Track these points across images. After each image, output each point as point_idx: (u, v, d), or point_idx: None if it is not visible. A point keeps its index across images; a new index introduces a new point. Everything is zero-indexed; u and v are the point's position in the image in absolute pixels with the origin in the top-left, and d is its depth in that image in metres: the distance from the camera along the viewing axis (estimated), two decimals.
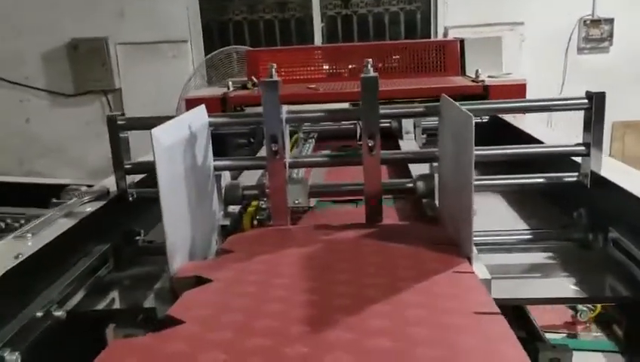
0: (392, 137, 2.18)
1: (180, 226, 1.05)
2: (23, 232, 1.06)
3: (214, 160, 1.29)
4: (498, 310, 0.76)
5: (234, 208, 1.38)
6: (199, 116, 1.24)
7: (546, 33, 4.91)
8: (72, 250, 1.11)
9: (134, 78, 4.97)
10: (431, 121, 2.13)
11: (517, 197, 1.58)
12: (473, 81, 2.39)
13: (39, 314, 0.95)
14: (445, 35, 4.97)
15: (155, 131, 0.96)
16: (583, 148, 1.24)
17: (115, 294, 1.15)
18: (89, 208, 1.22)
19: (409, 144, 2.04)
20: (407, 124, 2.09)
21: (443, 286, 0.85)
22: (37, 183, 2.50)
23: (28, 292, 0.96)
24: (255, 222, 1.33)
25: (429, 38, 5.04)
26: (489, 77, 2.43)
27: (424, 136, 2.18)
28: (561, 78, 4.99)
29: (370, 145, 1.20)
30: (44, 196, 1.40)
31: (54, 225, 1.11)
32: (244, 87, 2.60)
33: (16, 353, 0.85)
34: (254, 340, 0.73)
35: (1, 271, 0.88)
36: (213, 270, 0.97)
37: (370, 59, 1.20)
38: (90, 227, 1.18)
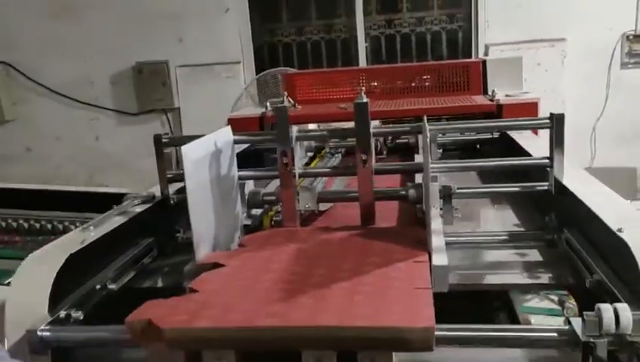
0: (410, 151, 2.42)
1: (205, 223, 1.33)
2: (88, 225, 1.37)
3: (239, 170, 1.58)
4: (429, 286, 0.99)
5: (257, 211, 1.66)
6: (225, 135, 1.53)
7: (588, 49, 4.93)
8: (124, 240, 1.42)
9: (192, 97, 5.39)
10: (447, 138, 2.37)
11: (513, 203, 1.78)
12: (490, 100, 2.58)
13: (98, 286, 1.26)
14: (486, 53, 5.11)
15: (185, 148, 1.25)
16: (547, 161, 1.44)
17: (157, 276, 1.44)
18: (138, 209, 1.52)
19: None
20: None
21: (397, 271, 1.09)
22: (104, 192, 2.90)
23: (89, 269, 1.26)
24: (272, 223, 1.60)
25: (470, 56, 5.20)
26: (506, 96, 2.61)
27: (440, 150, 2.39)
28: (604, 94, 5.01)
29: (363, 158, 1.45)
30: (109, 203, 1.72)
31: (110, 221, 1.42)
32: None
33: (80, 312, 1.15)
34: (245, 302, 1.00)
35: (71, 252, 1.18)
36: (227, 259, 1.24)
37: (364, 88, 1.45)
38: (138, 224, 1.48)
